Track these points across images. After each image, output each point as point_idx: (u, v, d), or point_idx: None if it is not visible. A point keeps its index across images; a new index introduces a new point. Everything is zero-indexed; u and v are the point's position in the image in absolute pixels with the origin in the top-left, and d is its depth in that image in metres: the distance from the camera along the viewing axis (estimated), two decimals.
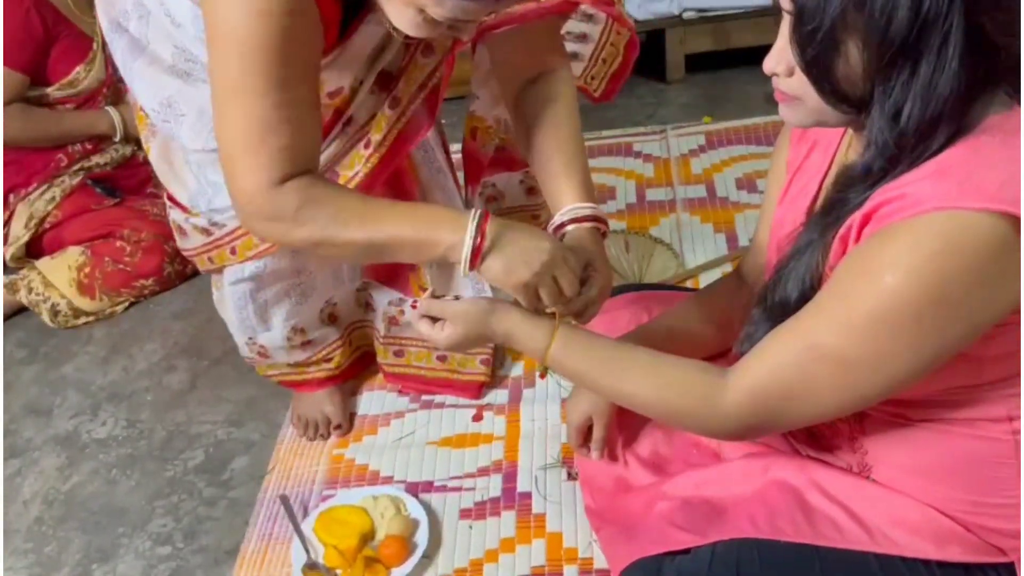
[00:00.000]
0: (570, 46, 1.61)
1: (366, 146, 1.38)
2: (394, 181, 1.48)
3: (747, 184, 2.28)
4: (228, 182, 1.12)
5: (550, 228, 1.26)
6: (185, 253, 1.59)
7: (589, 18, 1.59)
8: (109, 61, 2.24)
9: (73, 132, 2.26)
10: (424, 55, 1.34)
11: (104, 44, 2.16)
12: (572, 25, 1.58)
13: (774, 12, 0.89)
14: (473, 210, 1.09)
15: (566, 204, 1.25)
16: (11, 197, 2.26)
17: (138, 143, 2.29)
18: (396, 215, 1.13)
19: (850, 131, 1.00)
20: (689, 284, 1.95)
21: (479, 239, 1.07)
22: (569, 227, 1.24)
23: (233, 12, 1.04)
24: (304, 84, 1.11)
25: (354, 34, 1.23)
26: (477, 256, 1.08)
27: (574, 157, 1.30)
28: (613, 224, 2.17)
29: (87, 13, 2.22)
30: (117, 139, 2.31)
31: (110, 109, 2.29)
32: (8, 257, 2.29)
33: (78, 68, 2.23)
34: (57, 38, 2.18)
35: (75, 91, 2.24)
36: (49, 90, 2.20)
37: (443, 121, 1.89)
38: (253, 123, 1.07)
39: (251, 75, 1.05)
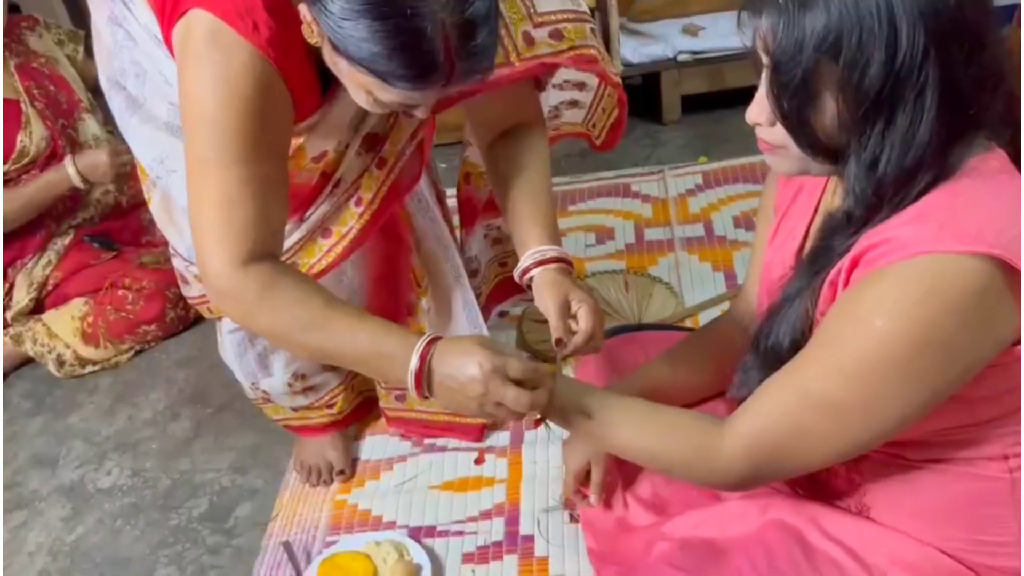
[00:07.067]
0: (570, 93, 1.63)
1: (356, 204, 1.40)
2: (388, 230, 1.50)
3: (744, 222, 2.29)
4: (198, 256, 1.13)
5: (516, 272, 1.29)
6: (188, 300, 1.63)
7: None
8: (42, 115, 2.19)
9: (40, 196, 2.15)
10: (407, 116, 1.34)
11: (31, 100, 2.14)
12: (569, 73, 1.59)
13: (754, 64, 0.92)
14: (419, 340, 1.05)
15: (530, 248, 1.28)
16: (9, 271, 2.24)
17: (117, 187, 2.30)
18: (354, 331, 1.08)
19: (834, 176, 1.02)
20: (689, 323, 1.96)
21: (418, 369, 1.04)
22: (535, 270, 1.26)
23: (200, 89, 1.08)
24: (270, 161, 1.12)
25: (333, 101, 1.25)
26: (420, 391, 1.05)
27: (540, 204, 1.32)
28: (612, 264, 2.21)
29: (5, 71, 2.17)
30: (80, 185, 2.16)
31: (67, 160, 2.14)
32: (10, 317, 2.27)
33: (20, 136, 2.16)
34: None
35: (30, 159, 2.16)
36: (5, 167, 2.14)
37: (442, 165, 1.92)
38: (219, 196, 1.09)
39: (217, 150, 1.08)
